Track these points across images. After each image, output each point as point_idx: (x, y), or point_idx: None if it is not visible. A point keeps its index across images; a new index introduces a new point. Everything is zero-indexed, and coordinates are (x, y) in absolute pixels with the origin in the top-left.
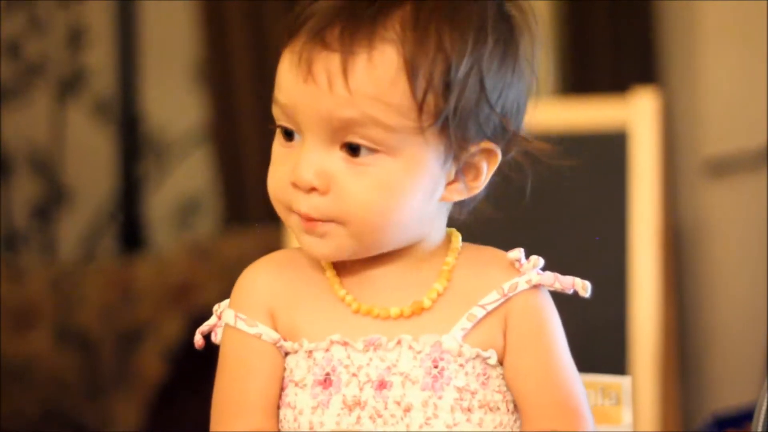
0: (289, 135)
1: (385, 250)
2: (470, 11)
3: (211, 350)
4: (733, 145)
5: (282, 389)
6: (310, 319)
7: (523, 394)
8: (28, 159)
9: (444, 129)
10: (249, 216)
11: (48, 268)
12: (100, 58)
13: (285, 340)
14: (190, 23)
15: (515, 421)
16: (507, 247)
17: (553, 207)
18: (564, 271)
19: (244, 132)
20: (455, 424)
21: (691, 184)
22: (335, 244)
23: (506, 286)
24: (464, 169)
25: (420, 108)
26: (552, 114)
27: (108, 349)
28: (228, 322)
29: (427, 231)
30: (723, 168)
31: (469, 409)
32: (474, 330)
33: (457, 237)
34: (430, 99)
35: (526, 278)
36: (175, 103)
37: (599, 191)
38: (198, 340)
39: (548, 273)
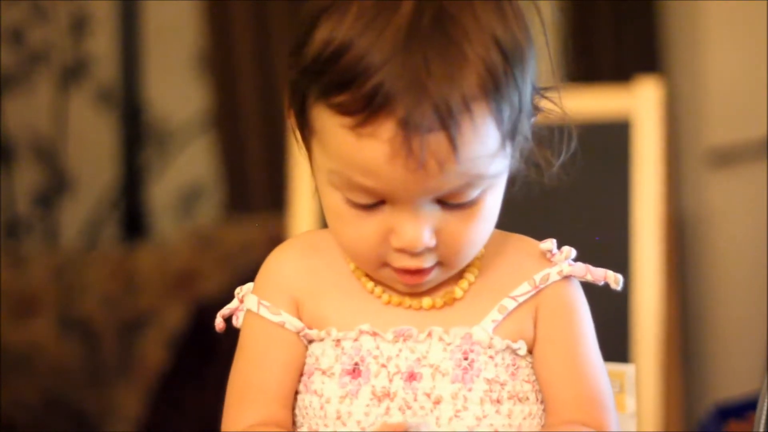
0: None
1: None
2: (508, 29)
3: (214, 339)
4: (736, 134)
5: (306, 375)
6: (337, 308)
7: (549, 387)
8: (30, 146)
9: (516, 138)
10: (251, 204)
11: (50, 256)
12: (102, 46)
13: (310, 328)
14: (193, 11)
15: (545, 410)
16: None
17: (556, 196)
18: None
19: (246, 120)
20: (484, 416)
21: (694, 174)
22: (434, 281)
23: (538, 277)
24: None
25: (505, 137)
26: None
27: (110, 337)
28: (251, 308)
29: None
30: (726, 157)
31: (498, 401)
32: (504, 321)
33: None
34: (509, 124)
35: (558, 269)
36: (177, 91)
37: (602, 180)
38: (219, 323)
39: (580, 264)
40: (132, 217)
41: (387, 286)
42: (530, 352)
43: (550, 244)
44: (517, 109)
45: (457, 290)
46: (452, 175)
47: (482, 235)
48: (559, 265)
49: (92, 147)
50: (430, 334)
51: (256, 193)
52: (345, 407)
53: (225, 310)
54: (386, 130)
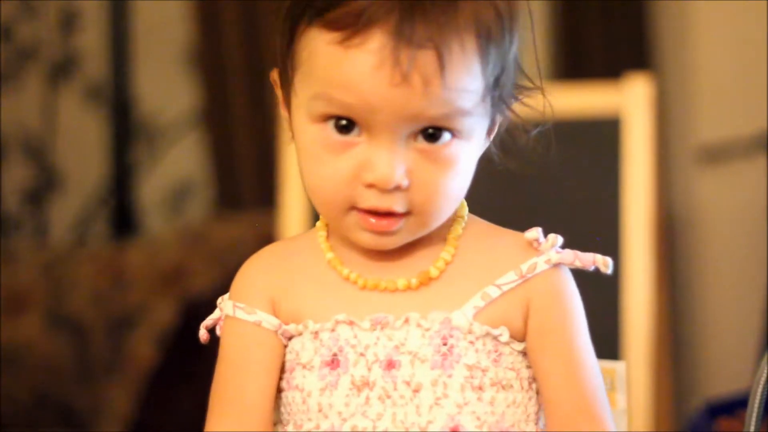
0: (344, 128)
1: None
2: None
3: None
4: (726, 131)
5: (288, 371)
6: (314, 301)
7: (546, 379)
8: (19, 143)
9: (494, 100)
10: (241, 201)
11: (40, 253)
12: (92, 42)
13: (287, 324)
14: (182, 7)
15: (530, 399)
16: None
17: (547, 193)
18: None
19: (236, 116)
20: (466, 404)
21: (684, 171)
22: (402, 236)
23: (524, 266)
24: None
25: (486, 86)
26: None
27: (99, 333)
28: (227, 312)
29: None
30: (716, 154)
31: (480, 388)
32: (486, 308)
33: (463, 205)
34: (492, 78)
35: (545, 258)
36: (167, 87)
37: (592, 177)
38: (203, 334)
39: (568, 251)
40: (121, 214)
41: (361, 272)
42: (517, 340)
43: (536, 232)
44: (500, 66)
45: (432, 269)
46: (434, 100)
47: (454, 191)
48: (546, 254)
49: (81, 144)
50: (407, 321)
51: (246, 190)
52: (325, 399)
53: (208, 321)
54: (375, 40)
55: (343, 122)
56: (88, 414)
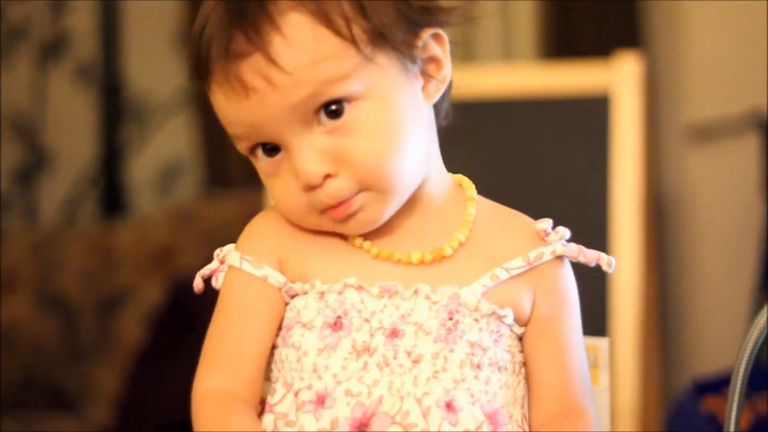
0: (271, 150)
1: (411, 192)
2: None
3: (192, 316)
4: (716, 110)
5: (285, 329)
6: (324, 263)
7: (536, 366)
8: (9, 123)
9: (384, 43)
10: (230, 180)
11: (29, 233)
12: (82, 22)
13: (294, 282)
14: None
15: (519, 383)
16: None
17: (536, 171)
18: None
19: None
20: (463, 380)
21: (673, 150)
22: (374, 209)
23: (532, 254)
24: (425, 67)
25: (353, 41)
26: (534, 78)
27: (88, 314)
28: (233, 263)
29: (427, 162)
30: (706, 133)
31: (478, 366)
32: (494, 289)
33: (471, 185)
34: (356, 30)
35: (551, 249)
36: (157, 68)
37: (581, 155)
38: (198, 283)
39: (573, 245)
40: (111, 193)
41: (376, 243)
42: (519, 324)
43: (546, 224)
44: (359, 13)
45: (446, 248)
46: (289, 89)
47: (389, 147)
48: (553, 245)
49: (71, 124)
50: (416, 292)
51: (235, 170)
52: (322, 360)
53: (205, 270)
54: (216, 74)
55: (265, 146)
56: (77, 393)
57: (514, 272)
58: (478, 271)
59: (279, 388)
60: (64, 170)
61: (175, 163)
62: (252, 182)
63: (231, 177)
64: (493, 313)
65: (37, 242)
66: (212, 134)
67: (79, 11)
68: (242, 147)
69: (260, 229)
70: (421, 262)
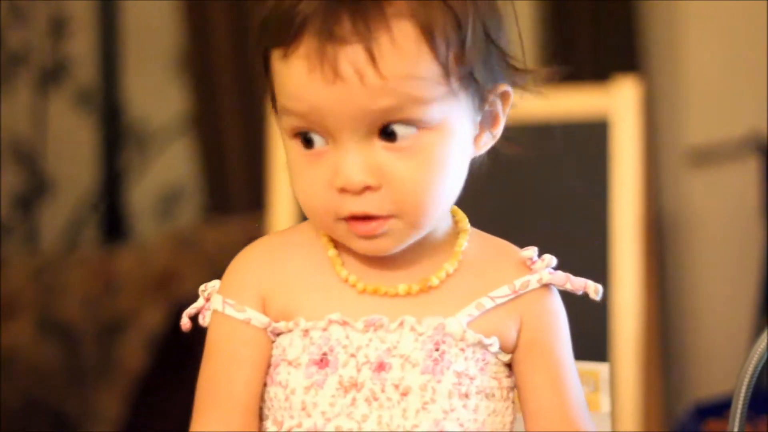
0: (308, 141)
1: (432, 226)
2: None
3: (193, 340)
4: (715, 133)
5: (272, 367)
6: (307, 299)
7: (530, 395)
8: (10, 149)
9: (470, 83)
10: (231, 205)
11: (30, 258)
12: (82, 47)
13: (278, 321)
14: (172, 13)
15: (507, 408)
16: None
17: (536, 195)
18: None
19: (225, 121)
20: (452, 410)
21: (673, 173)
22: (395, 239)
23: (518, 282)
24: (485, 119)
25: (447, 71)
26: (534, 102)
27: (90, 339)
28: (216, 307)
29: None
30: (705, 156)
31: (466, 395)
32: (479, 318)
33: (464, 217)
34: (451, 59)
35: (538, 277)
36: (157, 93)
37: (581, 179)
38: (185, 323)
39: (560, 273)
40: (112, 218)
41: (361, 275)
42: (506, 352)
43: (532, 252)
44: (459, 44)
45: (433, 278)
46: (374, 91)
47: (436, 187)
48: (539, 273)
49: (72, 149)
50: (401, 324)
51: (235, 195)
52: (310, 398)
53: (191, 309)
54: (305, 45)
55: (308, 136)
56: (79, 418)
57: (499, 301)
58: (464, 301)
59: (270, 427)
60: (64, 195)
61: (175, 188)
62: (253, 207)
63: (232, 202)
64: (479, 342)
65: (38, 267)
66: (213, 159)
67: (78, 37)
68: (289, 124)
69: (243, 266)
70: (408, 294)
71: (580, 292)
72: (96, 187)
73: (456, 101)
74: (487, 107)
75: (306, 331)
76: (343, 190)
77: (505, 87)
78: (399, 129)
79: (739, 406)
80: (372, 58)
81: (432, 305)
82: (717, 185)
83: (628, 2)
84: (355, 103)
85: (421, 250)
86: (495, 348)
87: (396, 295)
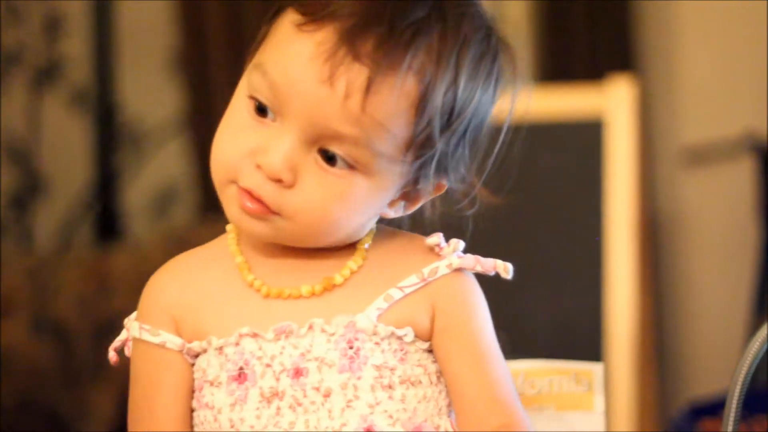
0: (262, 111)
1: (320, 246)
2: (485, 53)
3: None
4: (710, 133)
5: (197, 390)
6: (217, 316)
7: (455, 383)
8: (4, 148)
9: (420, 163)
10: None
11: (24, 258)
12: (76, 47)
13: (191, 342)
14: (167, 13)
15: (441, 392)
16: (484, 236)
17: (530, 195)
18: (541, 259)
19: (220, 122)
20: (377, 403)
21: (668, 172)
22: (271, 232)
23: (426, 270)
24: (410, 193)
25: (413, 143)
26: (529, 101)
27: (84, 339)
28: (134, 334)
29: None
30: (700, 156)
31: (390, 386)
32: (390, 310)
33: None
34: (423, 137)
35: (446, 262)
36: (151, 92)
37: (576, 179)
38: (112, 357)
39: (469, 256)
40: (106, 218)
41: (269, 278)
42: (422, 340)
43: (437, 238)
44: (440, 129)
45: (337, 276)
46: (349, 116)
47: (336, 219)
48: (448, 258)
49: (66, 149)
50: (311, 327)
51: None
52: (236, 414)
53: (116, 343)
54: (324, 33)
55: (263, 106)
56: (73, 418)
57: (408, 290)
58: (373, 296)
59: None
60: (59, 195)
61: (170, 188)
62: None
63: None
64: (392, 334)
65: (33, 267)
66: (207, 159)
67: (73, 36)
68: (257, 83)
69: (154, 289)
70: (312, 294)
71: (492, 273)
72: (90, 186)
73: (400, 166)
74: (419, 186)
75: (220, 349)
76: (258, 167)
77: (445, 183)
78: (341, 160)
79: (734, 406)
80: (368, 88)
81: (340, 304)
82: (712, 185)
83: (623, 2)
84: (325, 112)
85: (328, 252)
86: (410, 338)
87: (300, 296)
